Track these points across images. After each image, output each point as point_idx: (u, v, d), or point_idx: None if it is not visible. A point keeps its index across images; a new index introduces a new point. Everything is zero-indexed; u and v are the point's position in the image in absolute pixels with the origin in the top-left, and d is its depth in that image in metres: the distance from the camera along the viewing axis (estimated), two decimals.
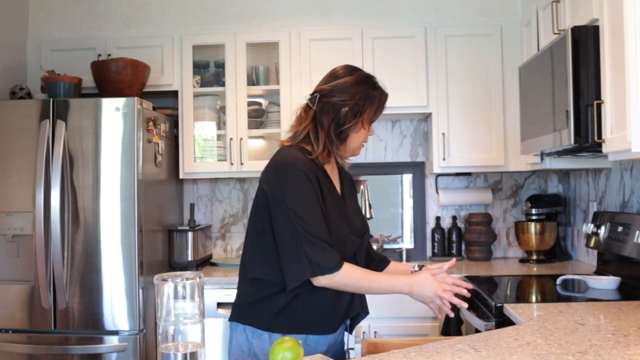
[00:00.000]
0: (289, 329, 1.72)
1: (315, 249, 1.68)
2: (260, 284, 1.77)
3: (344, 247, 1.79)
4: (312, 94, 1.86)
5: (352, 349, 1.87)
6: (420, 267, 2.01)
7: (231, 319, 1.84)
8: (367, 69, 3.40)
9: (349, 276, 1.73)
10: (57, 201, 2.93)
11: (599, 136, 2.21)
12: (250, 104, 3.61)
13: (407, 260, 3.71)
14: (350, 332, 1.96)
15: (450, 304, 1.79)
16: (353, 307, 1.86)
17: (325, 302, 1.77)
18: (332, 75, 1.87)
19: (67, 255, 2.94)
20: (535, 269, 3.30)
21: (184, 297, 1.37)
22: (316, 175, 1.77)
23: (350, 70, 1.88)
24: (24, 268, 2.98)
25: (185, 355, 1.34)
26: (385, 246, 3.73)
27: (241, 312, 1.81)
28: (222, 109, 3.61)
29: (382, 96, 1.87)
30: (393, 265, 2.11)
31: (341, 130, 1.81)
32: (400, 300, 3.09)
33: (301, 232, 1.68)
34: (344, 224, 1.82)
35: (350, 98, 1.81)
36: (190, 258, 3.42)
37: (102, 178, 2.95)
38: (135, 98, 2.97)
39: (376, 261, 2.07)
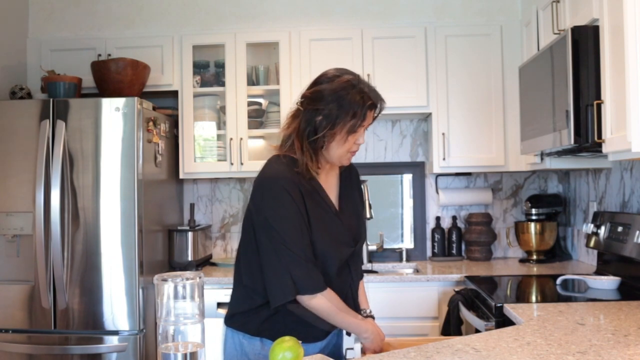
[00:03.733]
0: (277, 336, 1.72)
1: (301, 268, 1.68)
2: (249, 293, 1.78)
3: (329, 261, 1.77)
4: (300, 99, 1.81)
5: (352, 349, 1.87)
6: (366, 316, 1.99)
7: (225, 322, 1.87)
8: (367, 69, 3.45)
9: (329, 302, 1.72)
10: (57, 201, 2.93)
11: (599, 136, 2.21)
12: (250, 104, 3.61)
13: (407, 260, 3.71)
14: (349, 334, 1.95)
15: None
16: None
17: (309, 314, 1.76)
18: (316, 81, 1.79)
19: (67, 255, 2.94)
20: (535, 269, 3.29)
21: (184, 297, 1.37)
22: (299, 192, 1.72)
23: (334, 75, 1.77)
24: (24, 268, 2.97)
25: (185, 355, 1.34)
26: (385, 246, 3.73)
27: (231, 319, 1.84)
28: (222, 109, 3.61)
29: (362, 105, 1.72)
30: (360, 287, 2.04)
31: (315, 139, 1.74)
32: (400, 301, 3.10)
33: (284, 251, 1.67)
34: (331, 238, 1.78)
35: (324, 106, 1.72)
36: (190, 258, 3.42)
37: (102, 178, 2.95)
38: (135, 98, 2.97)
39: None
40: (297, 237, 1.69)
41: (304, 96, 1.79)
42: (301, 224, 1.71)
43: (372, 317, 1.99)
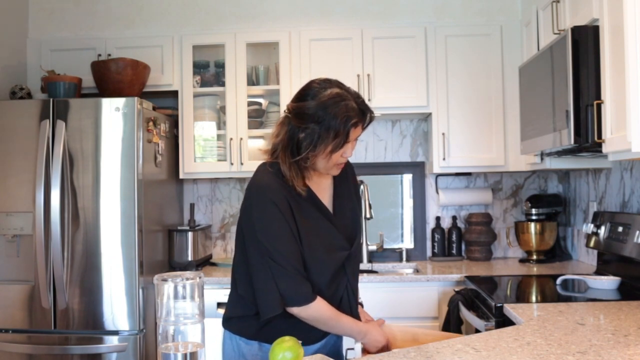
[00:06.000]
0: (274, 339, 1.72)
1: (288, 281, 1.67)
2: (244, 301, 1.77)
3: (323, 269, 1.75)
4: (286, 109, 1.77)
5: (352, 349, 1.87)
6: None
7: (222, 324, 1.87)
8: (367, 69, 3.46)
9: (319, 312, 1.72)
10: (57, 201, 2.93)
11: (599, 136, 2.21)
12: (250, 104, 3.61)
13: (407, 260, 3.72)
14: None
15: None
16: None
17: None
18: (301, 94, 1.75)
19: (67, 255, 2.94)
20: (535, 269, 3.29)
21: (184, 297, 1.37)
22: (287, 202, 1.70)
23: (318, 90, 1.71)
24: (24, 268, 2.97)
25: (185, 355, 1.34)
26: (385, 246, 3.73)
27: (228, 322, 1.84)
28: (222, 109, 3.61)
29: (345, 124, 1.66)
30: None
31: (299, 159, 1.71)
32: (400, 301, 3.10)
33: (271, 264, 1.67)
34: (324, 245, 1.76)
35: (306, 125, 1.68)
36: (190, 258, 3.42)
37: (102, 178, 2.95)
38: (135, 98, 2.97)
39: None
40: (284, 249, 1.68)
41: (289, 109, 1.76)
42: (289, 235, 1.69)
43: (361, 304, 2.00)
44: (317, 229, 1.77)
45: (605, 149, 2.18)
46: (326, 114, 1.67)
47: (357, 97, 1.73)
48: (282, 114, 1.79)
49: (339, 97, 1.69)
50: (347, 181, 1.93)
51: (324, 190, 1.85)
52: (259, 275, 1.70)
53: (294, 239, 1.70)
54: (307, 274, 1.72)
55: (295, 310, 1.70)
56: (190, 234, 3.43)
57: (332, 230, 1.80)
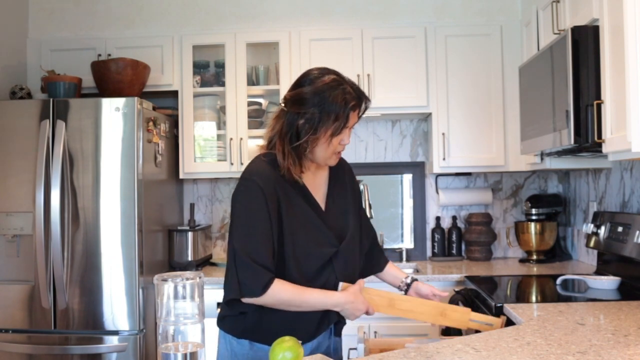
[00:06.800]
0: (265, 339, 1.72)
1: (246, 271, 1.66)
2: (236, 300, 1.75)
3: (308, 262, 1.75)
4: (282, 100, 1.79)
5: (355, 349, 1.86)
6: (411, 282, 2.05)
7: (217, 324, 1.87)
8: (367, 69, 3.46)
9: (276, 296, 1.68)
10: (57, 201, 2.93)
11: (599, 136, 2.21)
12: (250, 104, 3.61)
13: (407, 260, 3.72)
14: (338, 336, 1.93)
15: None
16: (329, 317, 1.82)
17: (294, 315, 1.74)
18: (298, 82, 1.77)
19: (67, 255, 2.94)
20: (535, 269, 3.29)
21: (184, 297, 1.37)
22: (275, 190, 1.71)
23: (316, 76, 1.74)
24: (24, 268, 2.98)
25: (185, 355, 1.34)
26: (385, 246, 3.73)
27: (222, 321, 1.85)
28: (222, 109, 3.61)
29: (345, 107, 1.70)
30: (390, 268, 2.11)
31: (298, 145, 1.72)
32: None
33: (238, 251, 1.68)
34: (310, 239, 1.76)
35: (305, 110, 1.70)
36: (190, 258, 3.42)
37: (102, 178, 2.95)
38: (135, 98, 2.97)
39: (373, 262, 2.08)
40: (255, 239, 1.68)
41: (285, 98, 1.77)
42: (264, 224, 1.68)
43: (415, 279, 2.08)
44: (303, 220, 1.76)
45: (605, 149, 2.18)
46: (325, 98, 1.70)
47: (352, 84, 1.78)
48: (278, 108, 1.81)
49: (336, 82, 1.73)
50: (344, 183, 1.94)
51: (318, 187, 1.86)
52: (229, 256, 1.72)
53: (269, 227, 1.69)
54: (289, 264, 1.72)
55: (249, 300, 1.69)
56: (190, 234, 3.43)
57: (319, 225, 1.79)
